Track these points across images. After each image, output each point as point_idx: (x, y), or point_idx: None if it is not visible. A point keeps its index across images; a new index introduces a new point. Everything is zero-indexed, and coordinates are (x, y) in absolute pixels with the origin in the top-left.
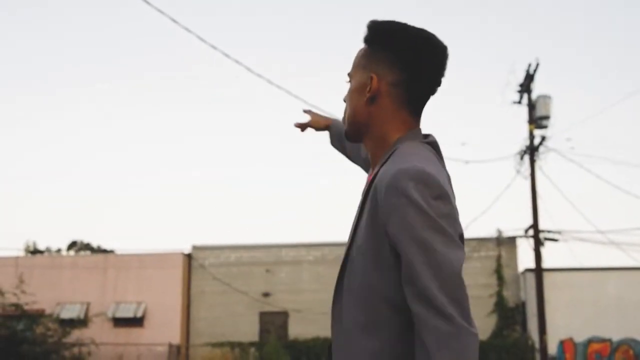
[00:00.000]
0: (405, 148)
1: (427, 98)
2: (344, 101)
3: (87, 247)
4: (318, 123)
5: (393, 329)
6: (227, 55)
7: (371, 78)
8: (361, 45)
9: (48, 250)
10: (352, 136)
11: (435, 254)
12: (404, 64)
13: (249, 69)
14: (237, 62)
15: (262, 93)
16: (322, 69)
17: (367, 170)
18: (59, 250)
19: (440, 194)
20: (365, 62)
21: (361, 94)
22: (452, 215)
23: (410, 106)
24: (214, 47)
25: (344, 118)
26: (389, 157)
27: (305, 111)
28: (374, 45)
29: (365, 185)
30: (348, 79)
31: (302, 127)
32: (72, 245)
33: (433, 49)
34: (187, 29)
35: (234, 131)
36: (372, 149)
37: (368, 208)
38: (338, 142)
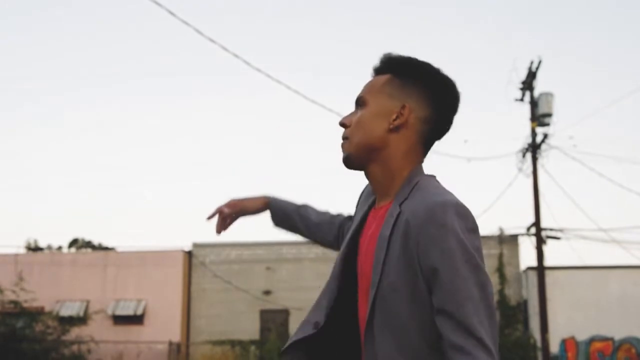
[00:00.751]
0: (427, 182)
1: (439, 139)
2: (343, 125)
3: (88, 244)
4: (253, 206)
5: None
6: (225, 49)
7: (403, 107)
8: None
9: (49, 247)
10: (357, 161)
11: (474, 286)
12: (434, 102)
13: (247, 63)
14: (235, 55)
15: (261, 88)
16: (321, 65)
17: (326, 244)
18: (59, 248)
19: (474, 227)
20: (393, 90)
21: (384, 120)
22: (481, 249)
23: (426, 144)
24: (212, 41)
25: (345, 143)
26: (410, 191)
27: (219, 211)
28: (404, 77)
29: (377, 219)
30: (360, 102)
31: (224, 226)
32: (74, 243)
33: (456, 92)
34: (185, 22)
35: (234, 126)
36: (378, 177)
37: (400, 243)
38: (282, 219)
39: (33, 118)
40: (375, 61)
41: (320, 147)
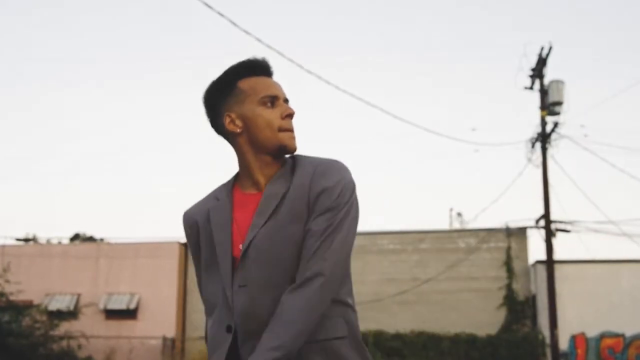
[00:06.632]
0: None
1: None
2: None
3: (90, 239)
4: None
5: None
6: (236, 26)
7: None
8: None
9: (48, 242)
10: None
11: None
12: None
13: (242, 29)
14: (246, 32)
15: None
16: (321, 38)
17: None
18: (59, 243)
19: None
20: None
21: None
22: None
23: None
24: (247, 33)
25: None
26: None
27: None
28: None
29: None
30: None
31: None
32: (75, 238)
33: None
34: (220, 14)
35: None
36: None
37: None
38: None
39: (37, 113)
40: (268, 63)
41: (325, 137)
